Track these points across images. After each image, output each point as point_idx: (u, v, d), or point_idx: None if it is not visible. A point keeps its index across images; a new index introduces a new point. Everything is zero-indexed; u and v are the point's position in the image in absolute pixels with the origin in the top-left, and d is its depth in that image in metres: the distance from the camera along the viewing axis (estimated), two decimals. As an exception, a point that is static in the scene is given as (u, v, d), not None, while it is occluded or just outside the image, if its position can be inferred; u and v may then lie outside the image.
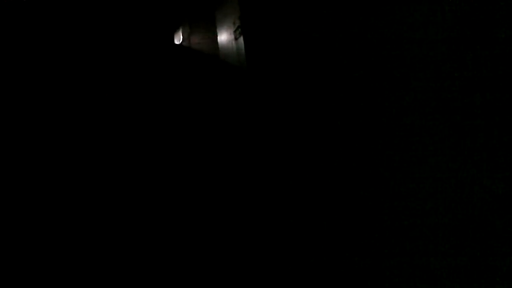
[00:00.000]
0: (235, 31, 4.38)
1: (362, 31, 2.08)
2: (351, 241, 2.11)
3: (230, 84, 3.62)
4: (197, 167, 2.61)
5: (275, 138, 2.40)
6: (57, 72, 2.76)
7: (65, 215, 2.33)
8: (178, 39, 4.44)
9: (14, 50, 2.60)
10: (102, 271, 2.16)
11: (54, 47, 2.79)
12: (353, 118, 2.11)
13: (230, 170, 2.55)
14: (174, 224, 2.38)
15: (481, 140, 1.92)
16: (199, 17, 4.68)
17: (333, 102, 2.18)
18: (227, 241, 2.26)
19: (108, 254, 2.23)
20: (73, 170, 2.54)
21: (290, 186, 2.27)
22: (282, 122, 2.44)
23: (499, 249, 1.92)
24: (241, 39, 4.03)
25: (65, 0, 2.90)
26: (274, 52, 2.94)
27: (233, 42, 4.38)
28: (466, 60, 1.93)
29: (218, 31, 4.88)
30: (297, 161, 2.27)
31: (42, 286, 2.11)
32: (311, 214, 2.15)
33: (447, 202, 1.98)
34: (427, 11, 1.98)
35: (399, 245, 2.05)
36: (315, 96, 2.26)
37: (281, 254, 2.15)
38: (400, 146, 2.04)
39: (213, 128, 2.98)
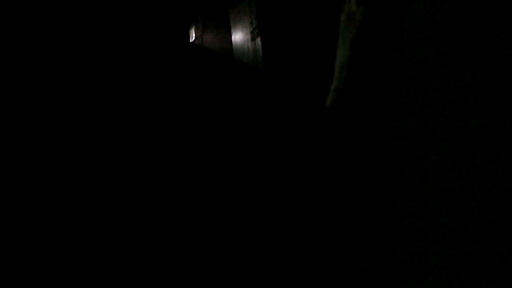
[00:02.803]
0: (252, 31, 4.40)
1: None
2: (351, 241, 2.13)
3: (245, 85, 3.65)
4: (205, 168, 2.66)
5: (281, 137, 2.43)
6: (65, 72, 2.84)
7: (67, 214, 2.41)
8: (190, 37, 4.49)
9: (17, 50, 2.69)
10: (102, 271, 2.23)
11: (62, 46, 2.87)
12: (353, 118, 2.13)
13: (237, 170, 2.59)
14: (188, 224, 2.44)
15: (481, 140, 1.92)
16: (212, 15, 4.71)
17: (336, 102, 2.20)
18: (234, 240, 2.30)
19: (108, 254, 2.30)
20: (90, 169, 2.62)
21: (294, 185, 2.30)
22: (294, 123, 2.47)
23: (499, 249, 1.92)
24: (258, 40, 4.04)
25: None
26: (293, 54, 2.97)
27: (249, 42, 4.40)
28: (466, 60, 1.92)
29: (232, 30, 4.90)
30: (303, 161, 2.30)
31: (42, 286, 2.20)
32: (311, 214, 2.18)
33: (447, 202, 1.99)
34: (427, 11, 1.98)
35: (399, 245, 2.07)
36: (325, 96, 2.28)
37: (281, 254, 2.18)
38: (400, 146, 2.05)
39: (227, 130, 3.03)
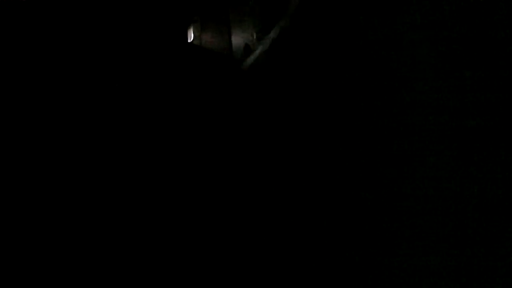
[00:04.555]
0: (257, 33, 4.39)
1: (362, 31, 2.10)
2: (351, 241, 2.13)
3: (246, 85, 3.63)
4: (205, 168, 2.65)
5: (279, 138, 2.42)
6: (62, 72, 2.84)
7: (66, 215, 2.40)
8: (189, 37, 4.46)
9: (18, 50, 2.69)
10: (102, 271, 2.23)
11: (59, 47, 2.87)
12: (353, 118, 2.12)
13: (232, 171, 2.58)
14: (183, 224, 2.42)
15: (481, 140, 1.92)
16: (211, 15, 4.68)
17: (336, 102, 2.20)
18: (229, 241, 2.29)
19: (108, 254, 2.29)
20: (86, 169, 2.61)
21: (293, 186, 2.29)
22: (290, 122, 2.46)
23: (499, 249, 1.91)
24: (265, 41, 4.00)
25: None
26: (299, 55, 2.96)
27: (255, 43, 4.37)
28: (466, 60, 1.91)
29: (232, 30, 4.87)
30: (302, 162, 2.29)
31: (42, 286, 2.19)
32: (311, 214, 2.18)
33: (447, 202, 1.99)
34: (427, 11, 1.98)
35: (399, 245, 2.07)
36: (323, 97, 2.27)
37: (282, 254, 2.18)
38: (400, 146, 2.05)
39: (227, 130, 3.01)
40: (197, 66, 3.84)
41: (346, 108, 2.15)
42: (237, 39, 4.64)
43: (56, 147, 2.61)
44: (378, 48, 2.08)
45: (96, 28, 3.08)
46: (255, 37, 4.56)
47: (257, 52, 2.87)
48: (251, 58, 2.92)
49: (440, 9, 2.00)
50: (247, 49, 3.89)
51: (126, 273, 2.25)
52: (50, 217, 2.40)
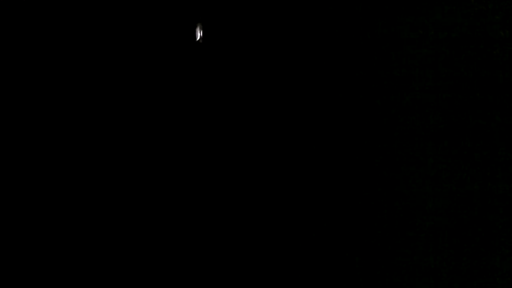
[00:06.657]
0: None
1: (361, 30, 2.11)
2: (351, 241, 2.14)
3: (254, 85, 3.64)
4: (210, 170, 2.68)
5: (276, 138, 2.43)
6: (67, 72, 2.88)
7: (65, 215, 2.44)
8: (197, 37, 4.49)
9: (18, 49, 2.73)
10: (102, 271, 2.27)
11: (64, 45, 2.91)
12: (352, 118, 2.14)
13: (231, 171, 2.59)
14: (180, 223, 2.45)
15: (481, 140, 1.92)
16: (220, 14, 4.72)
17: (334, 103, 2.21)
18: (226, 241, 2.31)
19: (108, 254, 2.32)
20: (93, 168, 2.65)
21: (291, 185, 2.31)
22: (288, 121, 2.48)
23: (499, 249, 1.92)
24: None
25: None
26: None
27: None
28: (465, 60, 1.92)
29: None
30: (300, 160, 2.31)
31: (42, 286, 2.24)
32: (310, 215, 2.20)
33: (447, 202, 1.99)
34: (427, 12, 1.99)
35: (399, 245, 2.08)
36: (321, 97, 2.29)
37: (280, 253, 2.20)
38: (399, 146, 2.06)
39: (236, 130, 3.01)
40: (205, 66, 3.86)
41: (345, 107, 2.16)
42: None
43: (54, 147, 2.65)
44: (377, 47, 2.09)
45: (101, 26, 3.12)
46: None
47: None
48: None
49: (440, 8, 2.01)
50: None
51: (126, 273, 2.29)
52: (50, 216, 2.44)
